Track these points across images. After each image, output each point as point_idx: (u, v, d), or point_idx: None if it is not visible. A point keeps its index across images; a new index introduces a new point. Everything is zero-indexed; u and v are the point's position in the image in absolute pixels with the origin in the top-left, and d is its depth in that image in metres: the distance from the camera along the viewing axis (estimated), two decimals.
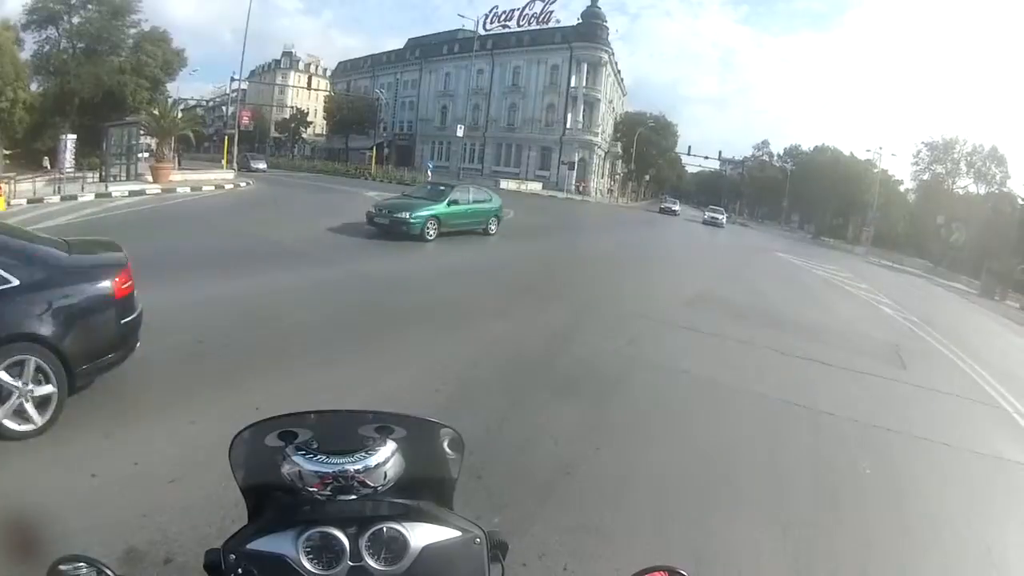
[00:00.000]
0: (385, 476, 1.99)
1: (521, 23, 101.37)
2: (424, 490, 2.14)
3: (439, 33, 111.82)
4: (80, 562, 1.85)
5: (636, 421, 9.97)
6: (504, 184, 76.95)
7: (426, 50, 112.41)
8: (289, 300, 14.70)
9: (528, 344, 13.51)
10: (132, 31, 67.94)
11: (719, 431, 10.06)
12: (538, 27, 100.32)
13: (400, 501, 2.05)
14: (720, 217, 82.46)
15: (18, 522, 5.17)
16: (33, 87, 64.93)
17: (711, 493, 7.68)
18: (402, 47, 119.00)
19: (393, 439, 2.02)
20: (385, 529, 1.96)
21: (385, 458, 1.98)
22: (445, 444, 2.14)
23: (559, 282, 22.60)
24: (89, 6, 65.80)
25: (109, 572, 1.85)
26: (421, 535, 1.98)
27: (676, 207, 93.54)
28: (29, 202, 35.55)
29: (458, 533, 2.04)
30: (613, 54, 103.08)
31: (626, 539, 6.38)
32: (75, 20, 66.24)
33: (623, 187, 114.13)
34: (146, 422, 7.61)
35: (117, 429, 7.30)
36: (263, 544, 1.95)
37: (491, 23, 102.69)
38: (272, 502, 2.09)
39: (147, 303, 8.96)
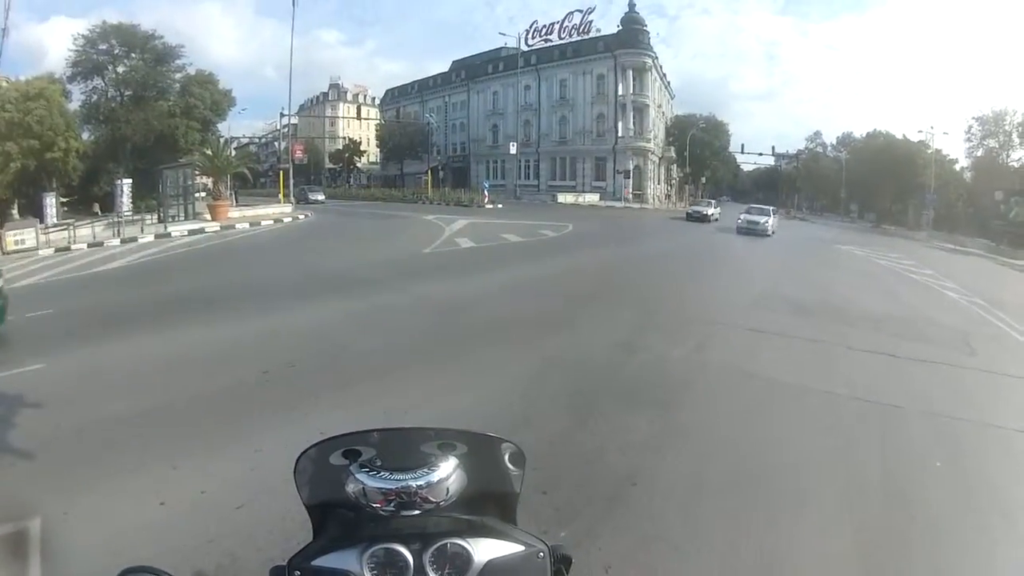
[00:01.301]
0: (447, 492, 1.95)
1: (562, 36, 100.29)
2: (487, 505, 2.10)
3: (482, 53, 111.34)
4: (147, 574, 1.90)
5: (703, 427, 9.86)
6: (561, 198, 76.25)
7: (471, 71, 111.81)
8: (352, 326, 15.19)
9: (591, 353, 13.61)
10: (178, 75, 68.72)
11: (788, 433, 9.90)
12: (579, 38, 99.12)
13: (463, 516, 2.01)
14: (764, 221, 53.31)
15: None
16: (85, 135, 65.61)
17: (781, 497, 7.54)
18: (447, 70, 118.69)
19: (455, 455, 1.99)
20: (449, 545, 1.92)
21: (447, 474, 1.95)
22: (507, 459, 2.09)
23: (618, 291, 22.49)
24: (132, 55, 66.78)
25: None
26: (484, 550, 1.94)
27: (711, 210, 66.91)
28: (89, 246, 36.30)
29: (521, 548, 2.00)
30: (657, 58, 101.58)
31: (694, 549, 6.25)
32: (120, 69, 67.30)
33: (680, 191, 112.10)
34: (213, 451, 8.04)
35: (184, 459, 7.76)
36: (328, 560, 1.94)
37: (532, 38, 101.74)
38: (336, 519, 2.07)
39: (213, 336, 11.52)
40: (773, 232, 53.18)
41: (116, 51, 66.65)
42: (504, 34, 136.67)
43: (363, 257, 26.54)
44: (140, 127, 62.58)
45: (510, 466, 2.11)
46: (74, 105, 65.37)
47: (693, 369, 12.84)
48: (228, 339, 14.43)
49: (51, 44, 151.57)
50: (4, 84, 56.55)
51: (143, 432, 8.56)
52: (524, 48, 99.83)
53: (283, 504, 5.60)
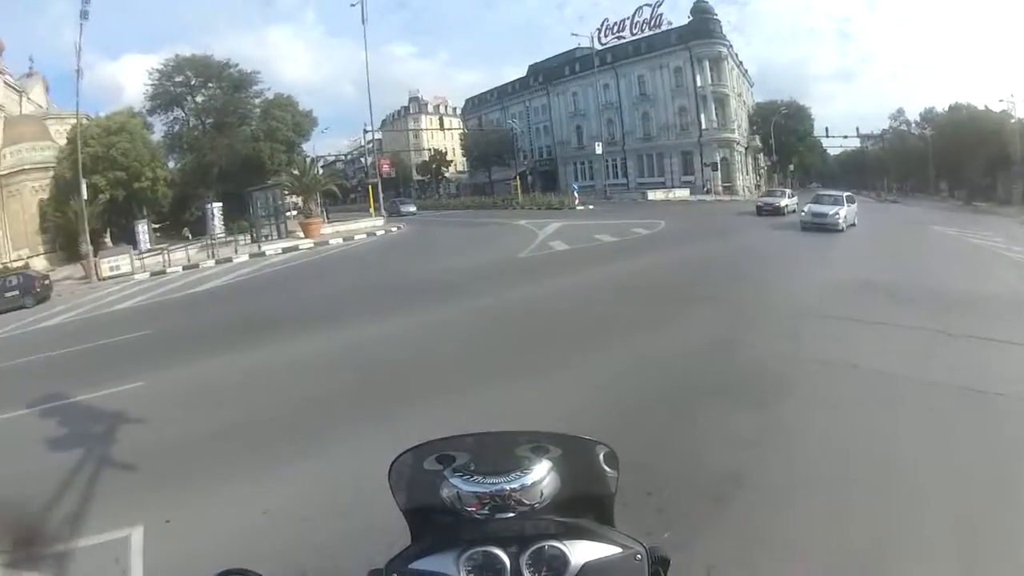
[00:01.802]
0: (542, 494, 1.92)
1: (634, 31, 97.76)
2: (583, 507, 2.05)
3: (557, 55, 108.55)
4: (243, 574, 1.94)
5: (804, 423, 9.38)
6: (651, 195, 74.58)
7: (548, 74, 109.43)
8: (449, 332, 15.11)
9: (688, 352, 13.23)
10: (257, 100, 70.00)
11: (891, 426, 9.24)
12: (651, 32, 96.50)
13: (560, 519, 1.97)
14: (834, 212, 38.99)
15: None
16: (171, 164, 67.39)
17: (886, 494, 7.08)
18: (524, 75, 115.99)
19: (548, 458, 1.95)
20: (546, 547, 1.90)
21: (541, 476, 1.91)
22: (601, 460, 2.04)
23: (710, 286, 21.20)
24: (209, 84, 68.27)
25: None
26: (581, 552, 1.90)
27: (785, 201, 52.23)
28: (184, 268, 37.62)
29: (619, 549, 1.94)
30: (731, 46, 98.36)
31: (798, 550, 6.00)
32: (199, 99, 68.93)
33: (769, 180, 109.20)
34: (314, 459, 8.27)
35: (286, 468, 8.03)
36: (425, 564, 1.94)
37: (605, 36, 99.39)
38: (433, 524, 2.06)
39: (312, 347, 12.48)
40: (848, 226, 38.82)
41: (193, 82, 68.25)
42: (576, 34, 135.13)
43: (458, 265, 26.25)
44: (225, 152, 63.79)
45: (605, 468, 2.03)
46: (157, 136, 67.11)
47: (793, 362, 12.29)
48: (327, 349, 14.49)
49: (126, 81, 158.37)
50: (85, 121, 57.06)
51: (242, 443, 8.92)
52: (598, 47, 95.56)
53: (384, 510, 4.50)
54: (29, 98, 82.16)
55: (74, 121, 54.81)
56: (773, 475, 7.53)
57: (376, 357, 13.17)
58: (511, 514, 1.91)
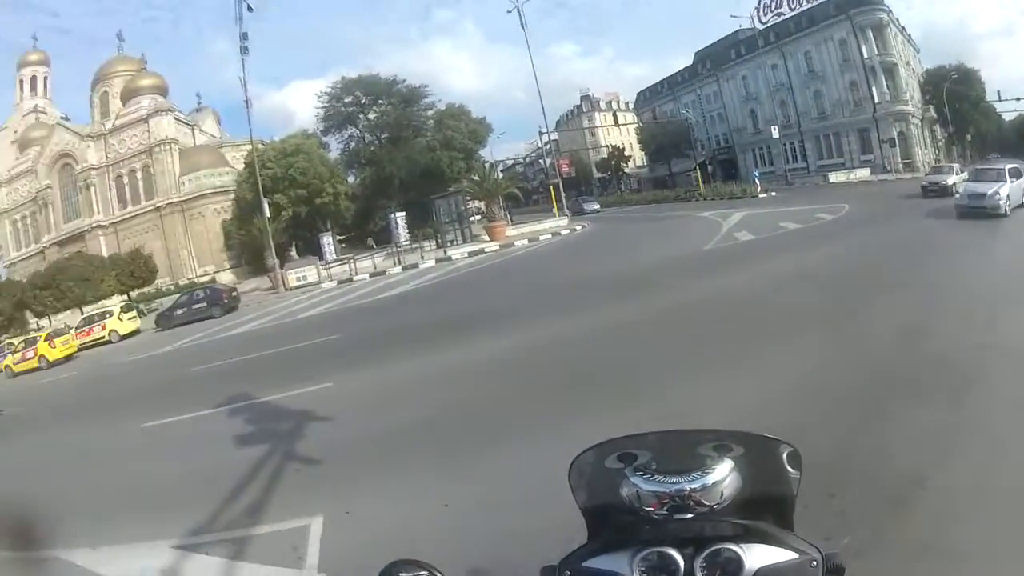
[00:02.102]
0: (722, 495, 1.89)
1: (792, 6, 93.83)
2: (762, 509, 2.00)
3: (721, 39, 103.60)
4: (420, 568, 1.97)
5: (999, 423, 8.02)
6: (832, 177, 70.68)
7: (715, 59, 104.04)
8: (637, 328, 14.55)
9: (875, 344, 11.78)
10: (430, 112, 71.61)
11: None
12: (809, 5, 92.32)
13: (738, 521, 1.91)
14: (993, 192, 27.51)
15: None
16: (350, 179, 70.89)
17: None
18: (691, 63, 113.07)
19: (730, 457, 1.92)
20: (722, 550, 1.83)
21: (722, 476, 1.89)
22: (783, 461, 1.99)
23: (900, 272, 18.75)
24: (380, 101, 70.48)
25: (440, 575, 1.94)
26: (756, 556, 1.82)
27: (951, 179, 39.22)
28: (371, 276, 38.85)
29: (795, 555, 1.86)
30: (891, 11, 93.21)
31: (981, 562, 5.21)
32: (371, 116, 71.36)
33: (948, 153, 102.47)
34: (495, 456, 8.14)
35: (470, 464, 7.96)
36: (599, 562, 1.90)
37: (764, 15, 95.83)
38: (610, 522, 2.03)
39: (498, 347, 13.04)
40: (1016, 207, 27.78)
41: (363, 100, 70.76)
42: (735, 16, 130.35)
43: (645, 260, 25.38)
44: (403, 164, 65.68)
45: (788, 468, 1.98)
46: (333, 154, 70.46)
47: (988, 356, 10.50)
48: (513, 349, 14.26)
49: (295, 106, 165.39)
50: (261, 146, 60.31)
51: (425, 441, 9.07)
52: (759, 26, 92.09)
53: (562, 508, 4.04)
54: (202, 130, 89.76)
55: (249, 147, 58.51)
56: (962, 478, 6.63)
57: (560, 357, 12.82)
58: (690, 515, 1.86)
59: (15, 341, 43.29)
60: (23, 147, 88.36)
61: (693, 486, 1.85)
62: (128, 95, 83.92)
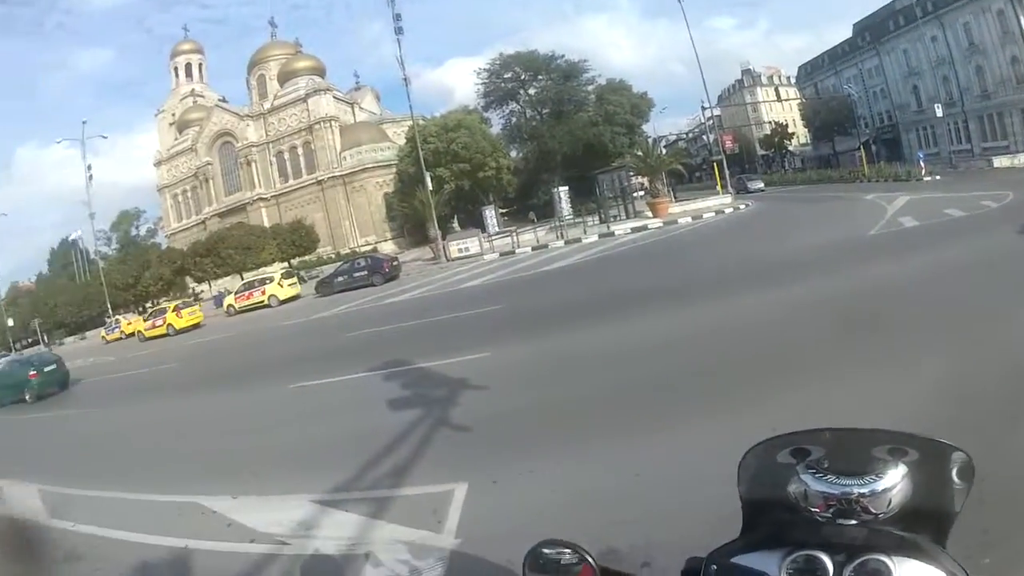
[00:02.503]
0: (889, 503, 1.75)
1: None
2: (922, 522, 1.83)
3: (879, 9, 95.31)
4: (564, 547, 1.94)
5: None
6: (996, 162, 65.37)
7: (875, 32, 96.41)
8: (795, 316, 13.40)
9: None
10: (590, 87, 70.88)
11: None
12: None
13: (896, 532, 1.80)
14: None
15: None
16: (512, 153, 71.42)
17: None
18: (851, 35, 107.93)
19: (904, 462, 1.77)
20: (872, 561, 1.72)
21: (893, 483, 1.74)
22: (954, 471, 1.80)
23: None
24: (539, 77, 70.46)
25: (590, 559, 1.91)
26: (907, 571, 1.72)
27: None
28: (533, 249, 38.68)
29: (943, 574, 1.72)
30: None
31: None
32: (531, 91, 71.45)
33: None
34: (653, 439, 7.62)
35: (622, 444, 7.59)
36: (747, 559, 1.85)
37: None
38: (768, 519, 1.93)
39: (663, 325, 12.94)
40: None
41: (523, 76, 70.84)
42: None
43: (810, 243, 23.99)
44: (565, 139, 65.42)
45: (956, 480, 1.79)
46: (495, 129, 70.92)
47: None
48: (675, 330, 13.50)
49: (453, 83, 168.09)
50: (421, 121, 61.50)
51: (578, 417, 8.68)
52: None
53: (715, 497, 3.92)
54: (361, 107, 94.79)
55: (409, 123, 60.74)
56: None
57: (723, 341, 11.93)
58: (853, 521, 1.75)
59: (147, 306, 50.76)
60: (181, 128, 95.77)
61: (863, 491, 1.70)
62: (285, 77, 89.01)
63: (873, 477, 1.72)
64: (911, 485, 1.74)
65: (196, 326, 43.01)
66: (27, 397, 25.46)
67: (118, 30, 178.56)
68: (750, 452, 1.86)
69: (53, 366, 27.42)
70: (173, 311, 43.95)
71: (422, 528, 6.31)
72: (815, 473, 1.76)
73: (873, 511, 1.72)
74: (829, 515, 1.75)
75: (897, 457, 1.73)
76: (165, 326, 43.01)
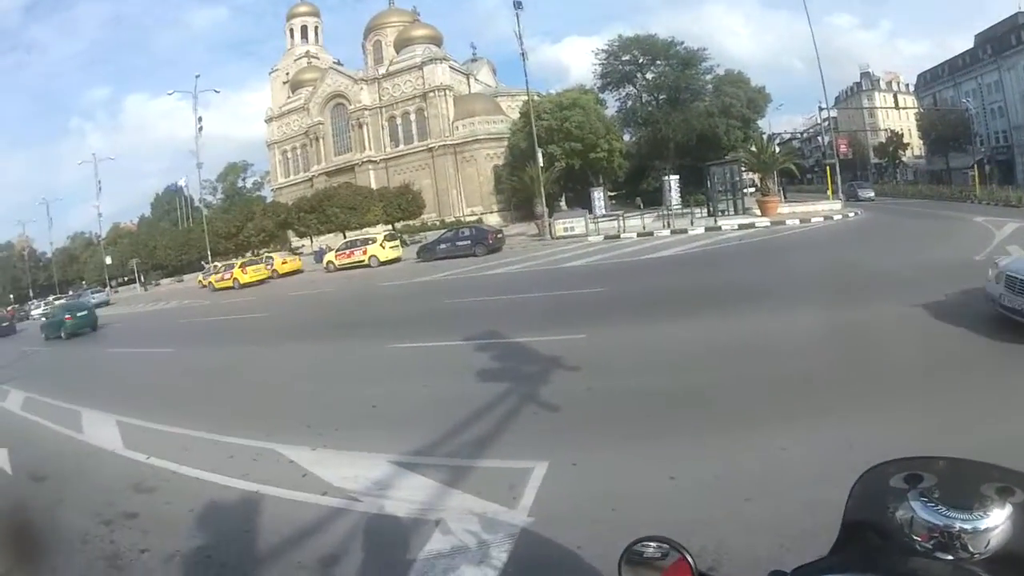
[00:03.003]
0: (987, 544, 1.69)
1: None
2: (1011, 569, 1.73)
3: (1002, 21, 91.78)
4: (661, 542, 1.93)
5: None
6: None
7: (996, 45, 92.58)
8: (892, 331, 12.80)
9: None
10: (708, 77, 69.93)
11: None
12: None
13: (981, 573, 1.69)
14: None
15: None
16: (626, 137, 70.57)
17: None
18: (972, 46, 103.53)
19: (1012, 502, 1.72)
20: None
21: (997, 523, 1.69)
22: None
23: None
24: (658, 62, 69.32)
25: (686, 553, 1.88)
26: None
27: None
28: (639, 235, 38.31)
29: None
30: None
31: None
32: (648, 76, 70.36)
33: None
34: (736, 440, 7.34)
35: (705, 441, 7.42)
36: None
37: None
38: (862, 542, 1.91)
39: (756, 327, 12.50)
40: None
41: (640, 60, 69.88)
42: None
43: (914, 260, 22.73)
44: (680, 127, 64.67)
45: None
46: (610, 111, 70.02)
47: None
48: (770, 333, 13.01)
49: (569, 61, 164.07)
50: (536, 97, 61.20)
51: (667, 407, 8.64)
52: None
53: (793, 509, 5.22)
54: (476, 79, 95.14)
55: (524, 98, 60.79)
56: None
57: (814, 348, 11.53)
58: (949, 556, 1.68)
59: (218, 264, 54.17)
60: (294, 88, 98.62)
61: (966, 527, 1.65)
62: (401, 44, 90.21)
63: (979, 514, 1.66)
64: (1012, 528, 1.67)
65: (263, 281, 47.23)
66: (62, 334, 32.20)
67: None
68: (868, 472, 1.86)
69: (86, 312, 34.77)
70: (240, 267, 48.77)
71: (496, 502, 6.26)
72: (926, 501, 1.72)
73: (971, 549, 1.65)
74: (929, 546, 1.69)
75: (1005, 496, 1.69)
76: (232, 280, 47.69)
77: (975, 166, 71.02)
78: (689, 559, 1.84)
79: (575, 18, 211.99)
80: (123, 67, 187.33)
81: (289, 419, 9.92)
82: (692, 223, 39.98)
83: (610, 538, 2.16)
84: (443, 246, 41.15)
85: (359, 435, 8.77)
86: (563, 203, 60.28)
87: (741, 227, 37.44)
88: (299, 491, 6.94)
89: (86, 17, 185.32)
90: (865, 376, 9.39)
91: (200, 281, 54.64)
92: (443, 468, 7.17)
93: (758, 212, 42.48)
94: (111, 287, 77.20)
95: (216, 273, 51.57)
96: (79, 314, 33.94)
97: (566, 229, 42.73)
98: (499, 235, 42.31)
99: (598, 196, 51.37)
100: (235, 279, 47.36)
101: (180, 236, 76.96)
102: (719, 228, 37.65)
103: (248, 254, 67.25)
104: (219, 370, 15.69)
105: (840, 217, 42.42)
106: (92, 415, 11.98)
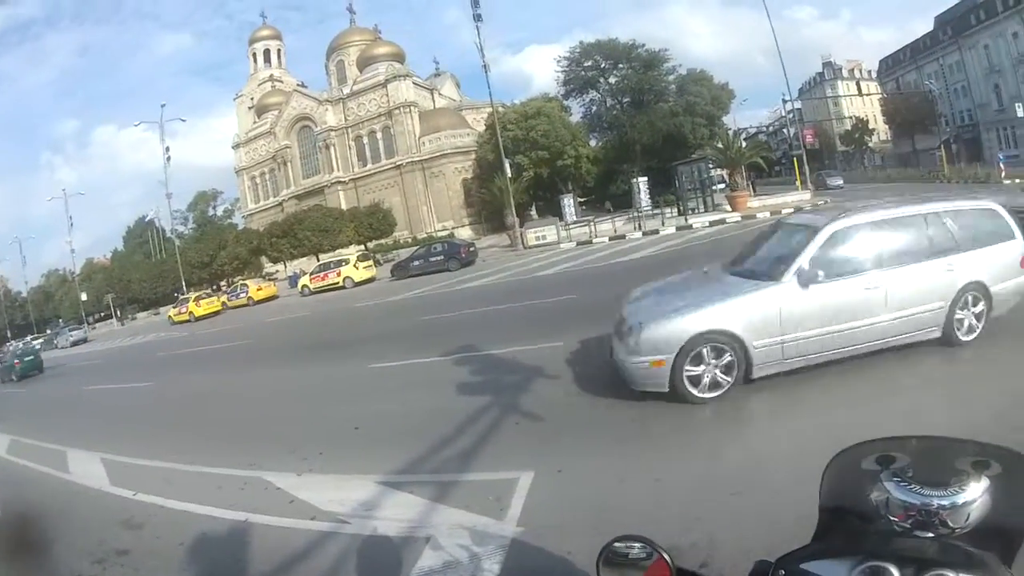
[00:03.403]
0: (967, 518, 1.78)
1: None
2: (993, 539, 1.83)
3: (959, 3, 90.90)
4: (636, 542, 1.96)
5: None
6: None
7: (956, 26, 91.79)
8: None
9: None
10: (671, 77, 70.55)
11: None
12: None
13: (966, 548, 1.77)
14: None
15: None
16: (592, 142, 71.66)
17: None
18: (932, 28, 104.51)
19: (988, 475, 1.79)
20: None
21: (974, 497, 1.77)
22: None
23: None
24: (620, 66, 70.22)
25: (663, 552, 1.92)
26: None
27: None
28: (611, 239, 38.58)
29: None
30: None
31: None
32: (611, 80, 71.38)
33: None
34: (723, 435, 7.72)
35: (692, 440, 7.52)
36: (817, 567, 1.84)
37: None
38: (843, 527, 1.99)
39: None
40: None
41: (603, 65, 70.92)
42: None
43: None
44: (645, 129, 65.35)
45: None
46: (575, 118, 71.30)
47: None
48: None
49: (532, 70, 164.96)
50: (501, 108, 61.88)
51: (649, 411, 8.41)
52: None
53: (781, 499, 5.11)
54: (441, 94, 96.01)
55: (489, 110, 60.98)
56: None
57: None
58: (930, 533, 1.77)
59: (191, 295, 55.59)
60: (260, 112, 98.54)
61: (943, 503, 1.73)
62: (364, 63, 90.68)
63: (955, 489, 1.73)
64: (991, 500, 1.74)
65: (217, 313, 49.75)
66: (13, 377, 37.05)
67: (198, 16, 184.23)
68: (837, 456, 1.89)
69: (32, 357, 40.41)
70: (194, 301, 51.55)
71: (484, 515, 6.30)
72: (899, 482, 1.78)
73: (951, 525, 1.73)
74: (907, 526, 1.77)
75: (980, 470, 1.74)
76: (187, 313, 50.54)
77: (941, 146, 71.40)
78: (666, 557, 1.89)
79: (536, 27, 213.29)
80: (90, 98, 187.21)
81: (273, 445, 9.96)
82: (663, 223, 40.35)
83: (599, 542, 1.98)
84: (416, 263, 41.14)
85: (344, 457, 8.81)
86: (534, 212, 60.90)
87: (712, 224, 37.80)
88: (287, 517, 6.95)
89: (53, 48, 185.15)
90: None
91: (170, 316, 55.63)
92: (429, 485, 7.20)
93: (728, 208, 42.74)
94: (88, 323, 76.98)
95: (175, 308, 54.89)
96: (26, 359, 39.64)
97: (538, 238, 42.93)
98: (471, 248, 42.32)
99: (568, 203, 51.61)
100: (191, 312, 50.03)
101: (154, 268, 76.87)
102: (690, 227, 37.90)
103: (223, 283, 68.05)
104: (200, 401, 15.69)
105: (810, 207, 42.24)
106: (77, 454, 11.98)
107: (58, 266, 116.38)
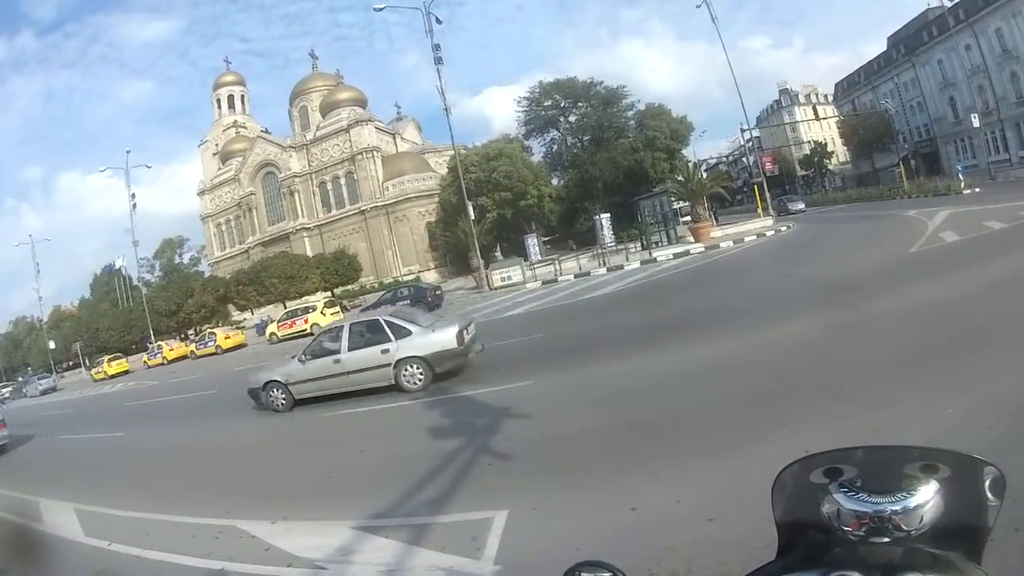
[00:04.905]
0: (921, 520, 1.78)
1: None
2: (955, 539, 1.85)
3: (913, 20, 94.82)
4: (602, 569, 1.94)
5: None
6: None
7: (908, 44, 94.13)
8: (841, 336, 13.08)
9: None
10: (630, 113, 71.02)
11: None
12: None
13: (930, 550, 1.81)
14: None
15: None
16: (554, 181, 71.91)
17: None
18: (885, 48, 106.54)
19: (936, 478, 1.80)
20: None
21: (925, 500, 1.77)
22: (986, 486, 1.84)
23: None
24: (579, 104, 70.67)
25: None
26: None
27: None
28: (576, 276, 38.69)
29: None
30: None
31: None
32: (571, 119, 71.80)
33: None
34: (694, 464, 7.63)
35: (665, 469, 7.56)
36: None
37: None
38: (803, 541, 1.97)
39: (700, 353, 12.78)
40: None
41: (562, 104, 71.31)
42: None
43: (848, 263, 23.93)
44: (606, 166, 65.66)
45: (989, 495, 1.82)
46: (536, 157, 71.91)
47: None
48: (715, 356, 13.34)
49: (492, 111, 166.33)
50: (463, 151, 62.01)
51: (622, 443, 8.78)
52: (947, 3, 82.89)
53: (755, 522, 4.55)
54: (403, 137, 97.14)
55: (451, 152, 61.67)
56: None
57: (760, 366, 11.61)
58: (886, 539, 1.77)
59: (162, 344, 58.49)
60: (224, 158, 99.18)
61: (895, 508, 1.73)
62: (327, 108, 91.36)
63: (905, 494, 1.74)
64: (943, 501, 1.76)
65: (180, 359, 52.38)
66: None
67: (161, 62, 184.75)
68: (783, 473, 1.91)
69: None
70: (107, 362, 56.59)
71: (461, 555, 6.35)
72: (847, 492, 1.79)
73: (905, 528, 1.74)
74: (862, 534, 1.77)
75: (929, 474, 1.76)
76: (103, 373, 55.02)
77: (900, 163, 72.25)
78: None
79: (495, 69, 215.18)
80: (55, 144, 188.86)
81: (245, 494, 9.99)
82: (627, 258, 40.57)
83: None
84: (383, 308, 40.76)
85: (317, 504, 8.82)
86: (499, 253, 60.69)
87: (676, 256, 38.08)
88: (264, 565, 7.01)
89: (18, 93, 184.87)
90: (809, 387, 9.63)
91: (145, 361, 56.30)
92: (404, 528, 7.22)
93: (692, 239, 43.18)
94: (57, 372, 76.32)
95: (98, 367, 58.01)
96: None
97: (503, 279, 42.92)
98: (438, 292, 42.87)
99: (532, 242, 52.22)
100: (104, 372, 54.95)
101: (121, 316, 76.82)
102: (654, 260, 38.18)
103: (191, 331, 67.88)
104: (171, 451, 15.63)
105: (773, 233, 43.39)
106: (50, 504, 11.92)
107: (26, 313, 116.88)
